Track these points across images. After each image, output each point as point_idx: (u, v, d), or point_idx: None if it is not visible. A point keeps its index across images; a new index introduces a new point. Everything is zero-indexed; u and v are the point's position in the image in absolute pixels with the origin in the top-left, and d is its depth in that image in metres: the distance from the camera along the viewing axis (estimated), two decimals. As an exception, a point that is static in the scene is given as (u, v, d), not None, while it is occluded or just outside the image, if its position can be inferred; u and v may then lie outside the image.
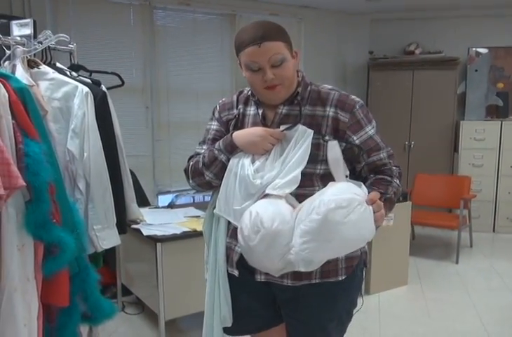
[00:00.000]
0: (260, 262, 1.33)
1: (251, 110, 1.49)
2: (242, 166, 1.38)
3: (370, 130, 1.43)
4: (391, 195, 1.40)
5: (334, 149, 1.38)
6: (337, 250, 1.27)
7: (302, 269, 1.26)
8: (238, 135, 1.42)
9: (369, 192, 1.33)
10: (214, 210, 1.46)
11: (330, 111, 1.40)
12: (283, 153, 1.37)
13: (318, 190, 1.36)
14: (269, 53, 1.32)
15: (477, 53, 5.19)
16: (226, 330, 1.52)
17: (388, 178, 1.43)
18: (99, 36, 3.99)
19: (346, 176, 1.40)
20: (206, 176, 1.47)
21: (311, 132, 1.36)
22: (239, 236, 1.32)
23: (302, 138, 1.35)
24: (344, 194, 1.24)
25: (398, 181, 1.44)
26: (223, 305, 1.48)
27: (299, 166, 1.33)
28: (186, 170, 1.54)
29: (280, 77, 1.35)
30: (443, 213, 4.75)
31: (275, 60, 1.33)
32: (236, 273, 1.47)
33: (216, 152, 1.45)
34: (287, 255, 1.26)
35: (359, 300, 1.51)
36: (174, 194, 3.51)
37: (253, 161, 1.39)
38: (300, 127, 1.37)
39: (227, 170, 1.41)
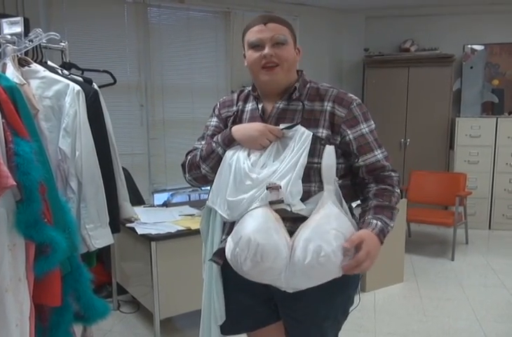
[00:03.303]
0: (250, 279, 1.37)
1: (249, 106, 1.50)
2: (237, 159, 1.38)
3: (365, 128, 1.43)
4: (393, 205, 1.42)
5: (329, 155, 1.37)
6: (322, 281, 1.33)
7: (290, 291, 1.34)
8: (238, 129, 1.42)
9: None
10: (207, 203, 1.46)
11: (328, 106, 1.41)
12: (279, 152, 1.37)
13: (315, 187, 1.36)
14: (273, 31, 1.38)
15: (473, 50, 5.19)
16: (222, 329, 1.52)
17: (390, 188, 1.43)
18: (94, 34, 3.97)
19: (336, 180, 1.40)
20: (202, 169, 1.47)
21: (309, 134, 1.36)
22: (232, 258, 1.33)
23: (301, 141, 1.35)
24: (335, 244, 1.26)
25: (398, 190, 1.46)
26: (216, 302, 1.49)
27: (293, 170, 1.32)
28: (183, 165, 1.55)
29: (279, 57, 1.38)
30: (439, 210, 4.74)
31: (277, 38, 1.38)
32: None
33: (214, 144, 1.45)
34: (276, 280, 1.31)
35: (356, 298, 1.52)
36: (170, 193, 3.50)
37: (248, 155, 1.39)
38: (299, 128, 1.37)
39: (222, 162, 1.42)
